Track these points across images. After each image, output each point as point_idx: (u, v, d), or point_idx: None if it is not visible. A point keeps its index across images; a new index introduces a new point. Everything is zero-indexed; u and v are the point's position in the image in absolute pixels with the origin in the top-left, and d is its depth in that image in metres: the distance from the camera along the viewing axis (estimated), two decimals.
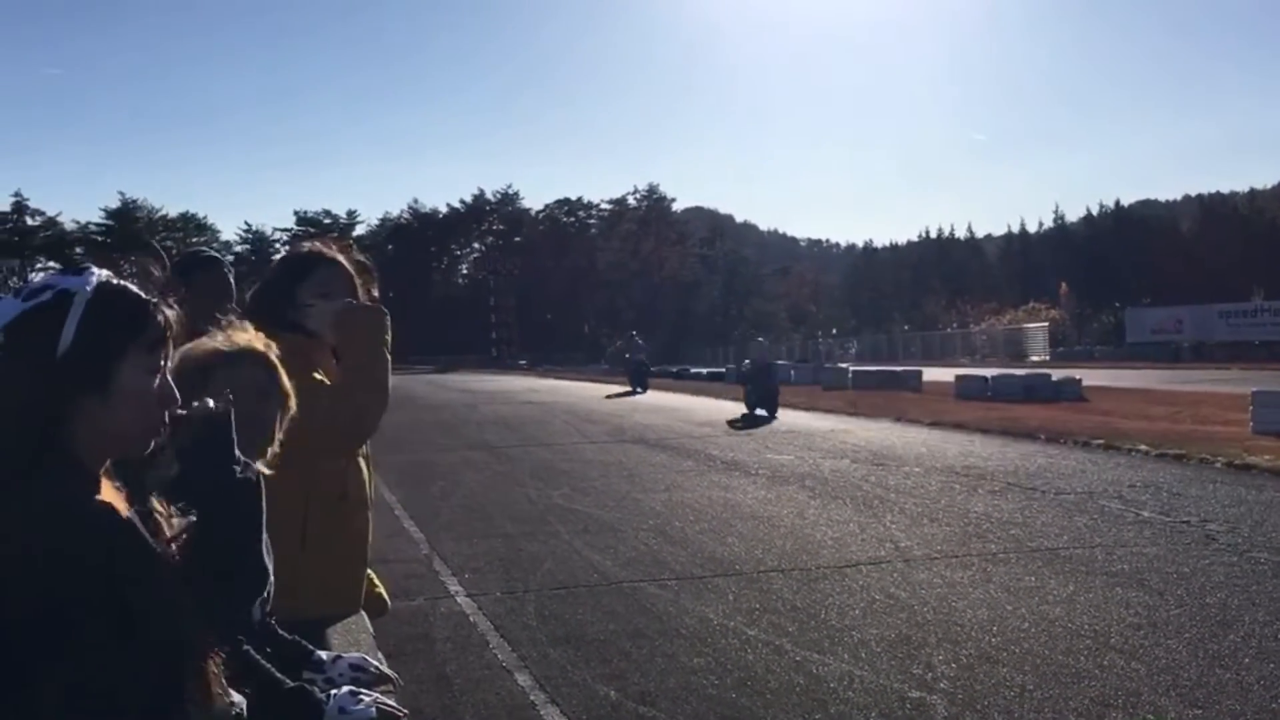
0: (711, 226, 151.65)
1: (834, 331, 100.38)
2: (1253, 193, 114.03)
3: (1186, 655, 5.94)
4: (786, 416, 23.55)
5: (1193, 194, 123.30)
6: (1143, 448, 15.24)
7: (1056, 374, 30.65)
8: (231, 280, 4.57)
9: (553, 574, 8.49)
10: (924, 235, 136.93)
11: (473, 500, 12.62)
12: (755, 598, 7.48)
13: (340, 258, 3.42)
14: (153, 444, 1.68)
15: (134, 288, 1.65)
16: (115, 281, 1.63)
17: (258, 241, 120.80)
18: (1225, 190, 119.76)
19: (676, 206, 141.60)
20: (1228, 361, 47.09)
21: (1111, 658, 5.92)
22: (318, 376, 3.25)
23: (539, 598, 7.72)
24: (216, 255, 4.88)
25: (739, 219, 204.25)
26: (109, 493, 1.60)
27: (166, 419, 1.68)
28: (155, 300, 1.65)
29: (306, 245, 3.51)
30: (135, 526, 1.55)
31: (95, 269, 1.64)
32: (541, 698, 5.60)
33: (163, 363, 1.66)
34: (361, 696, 2.20)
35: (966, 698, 5.35)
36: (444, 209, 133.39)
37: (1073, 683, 5.53)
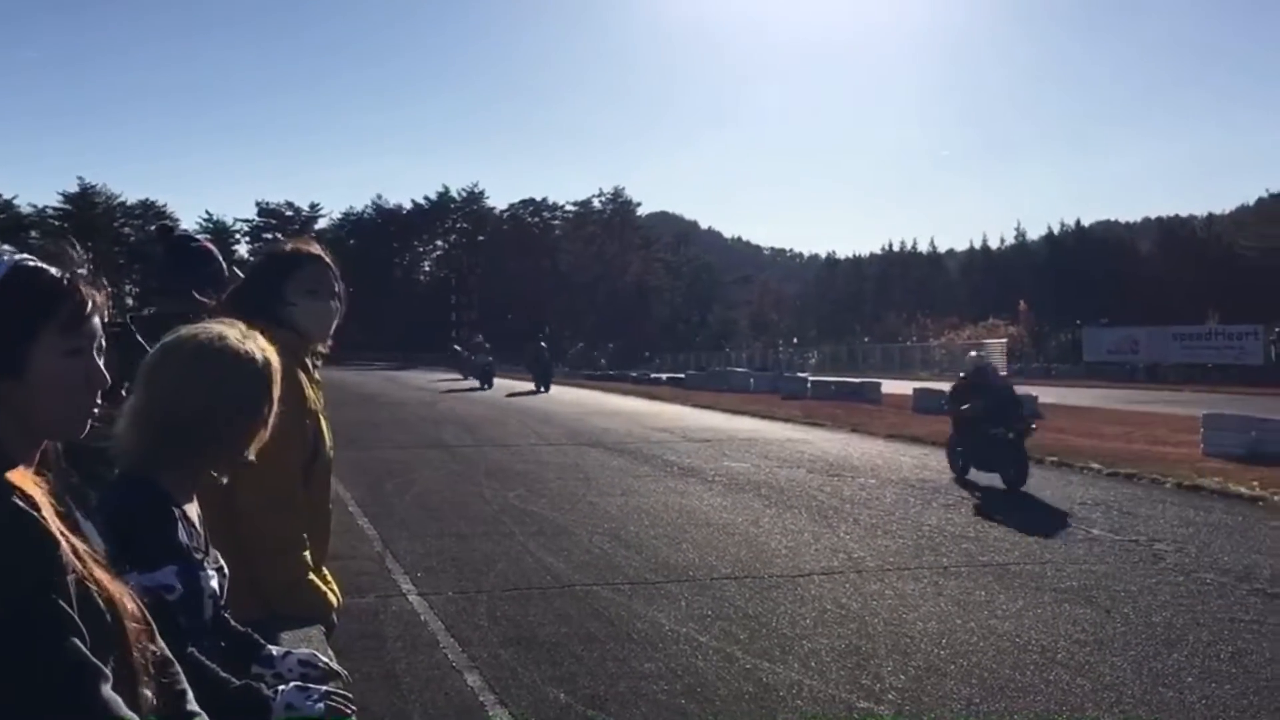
0: (676, 232, 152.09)
1: (794, 341, 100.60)
2: (1210, 217, 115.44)
3: (1131, 673, 6.01)
4: (745, 423, 23.74)
5: (1152, 216, 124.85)
6: (1095, 466, 15.40)
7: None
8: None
9: (506, 575, 8.47)
10: (886, 248, 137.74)
11: (427, 499, 12.58)
12: (708, 604, 7.50)
13: (324, 255, 3.41)
14: (86, 428, 1.65)
15: (50, 269, 1.60)
16: (30, 264, 1.59)
17: (218, 231, 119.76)
18: (1184, 214, 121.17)
19: (641, 211, 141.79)
20: (1181, 383, 47.56)
21: (1058, 673, 5.97)
22: (307, 394, 3.24)
23: (491, 598, 7.70)
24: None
25: (704, 225, 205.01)
26: (25, 481, 1.52)
27: (95, 400, 1.63)
28: (70, 280, 1.60)
29: (290, 243, 3.49)
30: (31, 521, 1.47)
31: (8, 252, 1.59)
32: (491, 699, 5.59)
33: (85, 344, 1.61)
34: (310, 692, 2.19)
35: (914, 709, 5.38)
36: (408, 205, 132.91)
37: (1019, 697, 5.58)
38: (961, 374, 16.18)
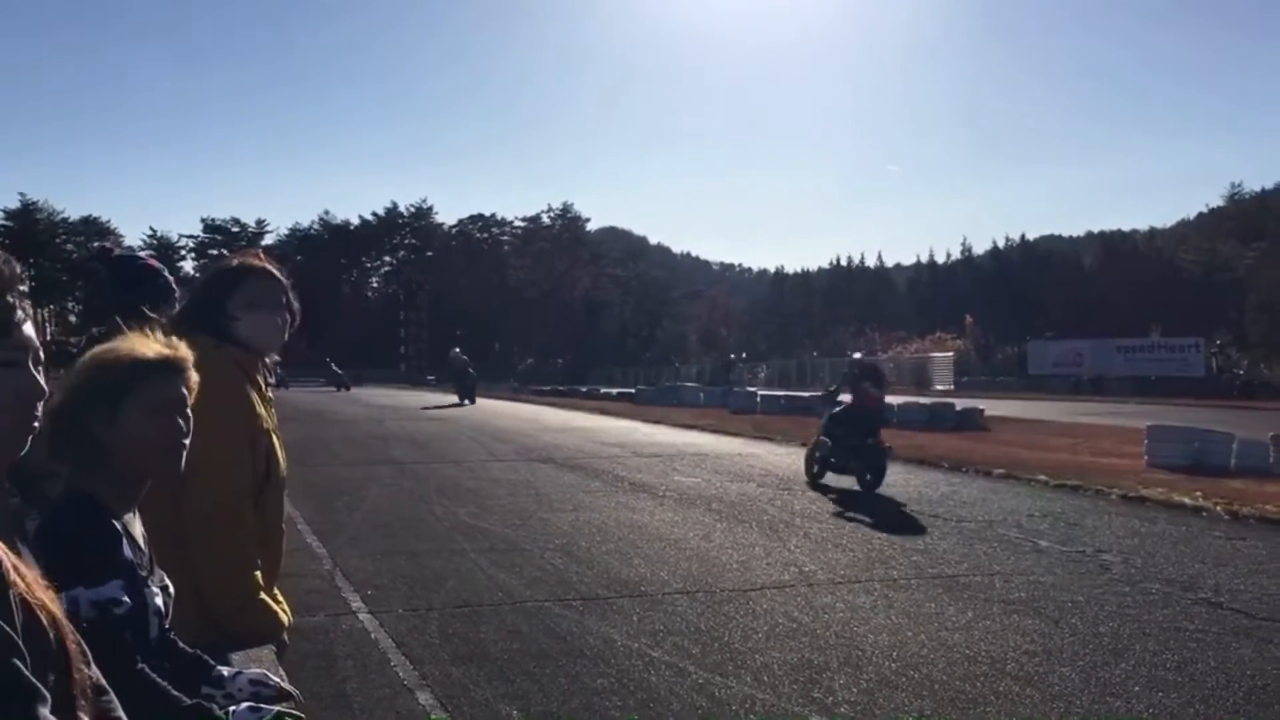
0: (625, 248, 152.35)
1: (744, 355, 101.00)
2: (1152, 231, 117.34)
3: (1079, 683, 6.06)
4: (695, 438, 23.83)
5: (1095, 231, 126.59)
6: (1042, 478, 15.55)
7: (960, 403, 31.19)
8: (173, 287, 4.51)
9: (457, 592, 8.42)
10: (834, 263, 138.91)
11: (378, 516, 12.48)
12: (660, 619, 7.49)
13: (271, 268, 3.39)
14: (26, 444, 1.60)
15: None
16: None
17: (163, 248, 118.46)
18: (1126, 228, 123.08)
19: (591, 226, 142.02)
20: (1125, 395, 48.26)
21: (1007, 684, 6.02)
22: (258, 412, 3.22)
23: (442, 616, 7.65)
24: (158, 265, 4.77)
25: (653, 241, 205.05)
26: None
27: (35, 415, 1.58)
28: None
29: (235, 257, 3.47)
30: None
31: None
32: (443, 717, 5.55)
33: (18, 355, 1.56)
34: (261, 712, 2.17)
35: None
36: (355, 221, 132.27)
37: (969, 708, 5.62)
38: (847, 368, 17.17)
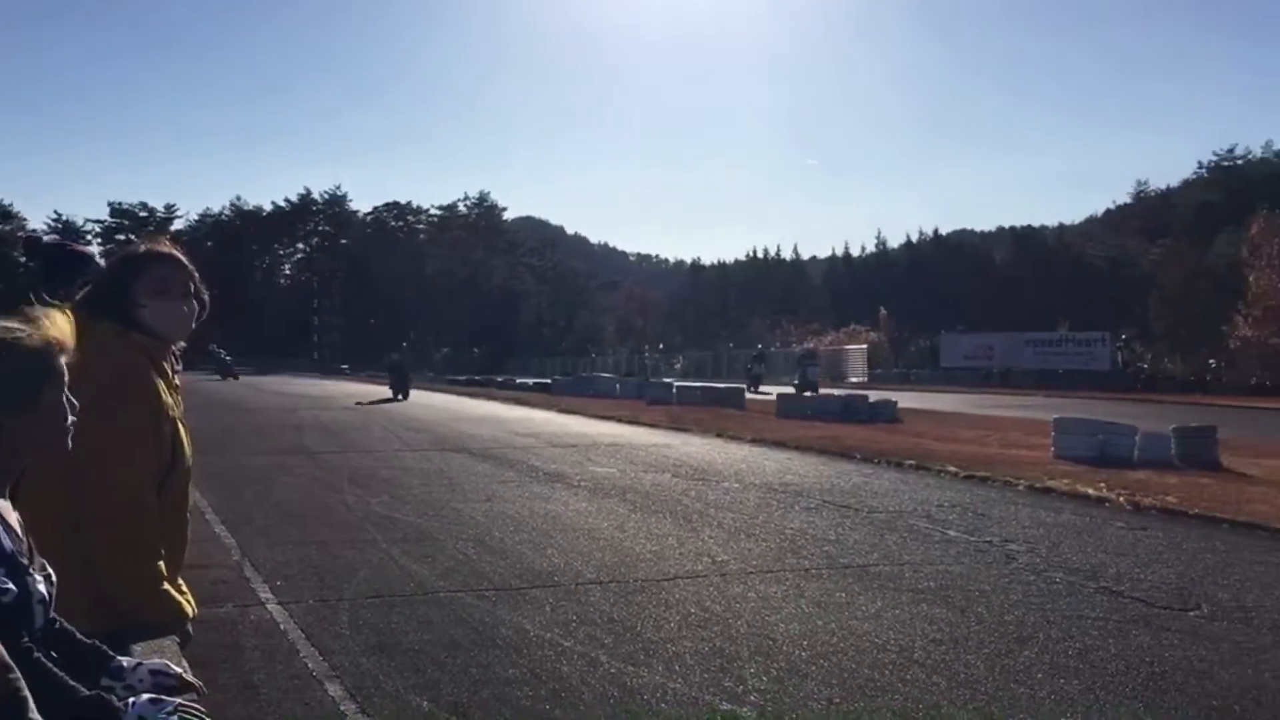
0: (542, 237, 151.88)
1: (660, 347, 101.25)
2: (1061, 228, 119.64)
3: (984, 670, 6.17)
4: (611, 429, 23.86)
5: (1007, 226, 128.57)
6: (951, 469, 15.80)
7: (874, 395, 31.53)
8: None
9: (368, 582, 8.35)
10: (751, 255, 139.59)
11: (288, 506, 12.34)
12: (573, 609, 7.49)
13: (179, 255, 3.32)
14: None
15: None
16: None
17: (68, 232, 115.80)
18: (1037, 224, 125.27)
19: (508, 216, 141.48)
20: (1033, 388, 49.12)
21: (914, 672, 6.11)
22: (164, 399, 3.15)
23: (353, 606, 7.59)
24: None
25: (570, 231, 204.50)
26: None
27: None
28: None
29: (142, 243, 3.40)
30: None
31: None
32: (352, 708, 5.50)
33: None
34: (163, 704, 2.13)
35: (775, 710, 5.46)
36: (268, 207, 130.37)
37: (877, 696, 5.70)
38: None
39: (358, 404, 34.38)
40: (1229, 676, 6.11)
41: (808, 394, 34.88)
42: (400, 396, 38.46)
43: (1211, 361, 56.95)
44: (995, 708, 5.54)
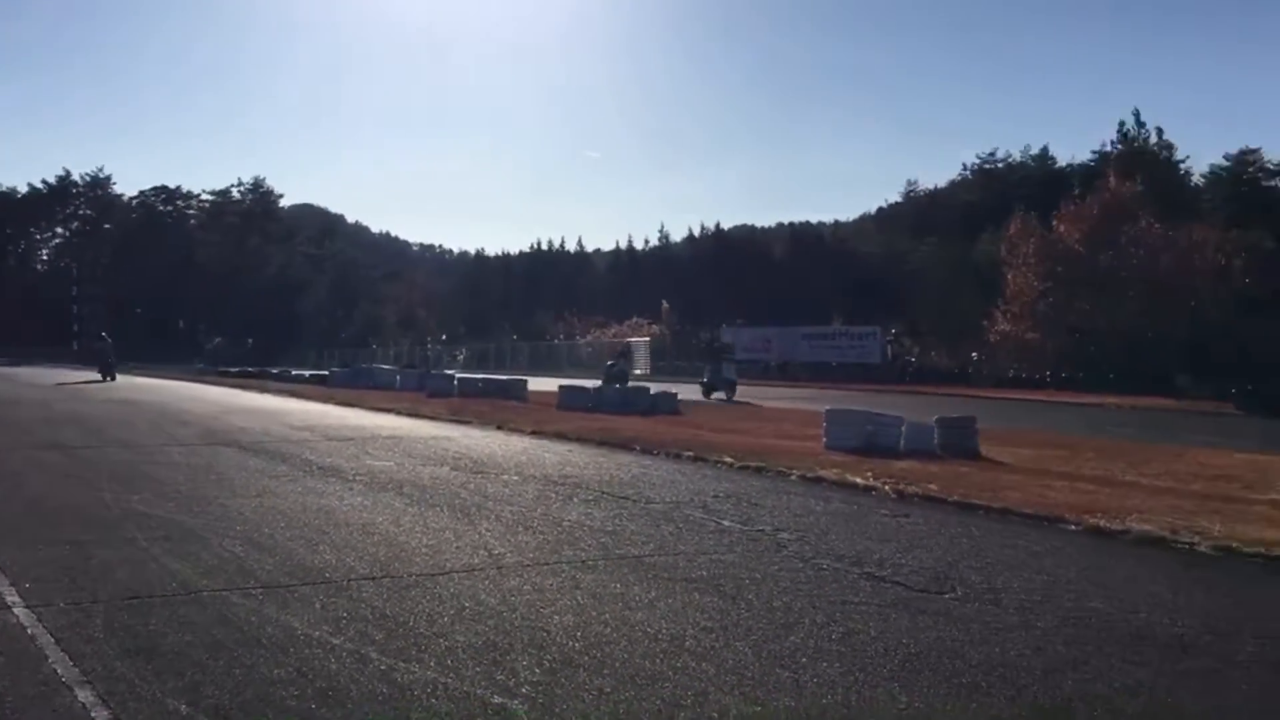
0: (321, 225, 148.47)
1: (443, 338, 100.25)
2: (836, 224, 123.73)
3: (752, 656, 6.31)
4: (389, 421, 23.54)
5: (785, 223, 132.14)
6: (727, 460, 16.12)
7: (655, 387, 31.97)
8: None
9: (126, 583, 7.98)
10: (535, 246, 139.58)
11: (39, 504, 11.71)
12: (343, 606, 7.33)
13: None
14: None
15: None
16: None
17: None
18: (814, 220, 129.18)
19: (284, 203, 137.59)
20: (809, 380, 50.70)
21: (685, 660, 6.20)
22: None
23: (109, 608, 7.23)
24: None
25: (350, 219, 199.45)
26: None
27: None
28: None
29: None
30: None
31: None
32: (104, 714, 5.24)
33: None
34: None
35: (546, 702, 5.45)
36: (23, 188, 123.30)
37: (648, 684, 5.75)
38: None
39: (59, 384, 33.92)
40: (978, 655, 6.41)
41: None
42: (109, 378, 43.89)
43: (974, 355, 59.79)
44: (760, 693, 5.66)
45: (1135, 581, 8.90)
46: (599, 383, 32.92)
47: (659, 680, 5.83)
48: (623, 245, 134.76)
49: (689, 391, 33.90)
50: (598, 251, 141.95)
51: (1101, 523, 11.26)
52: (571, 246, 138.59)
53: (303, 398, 33.58)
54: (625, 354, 47.00)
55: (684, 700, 5.52)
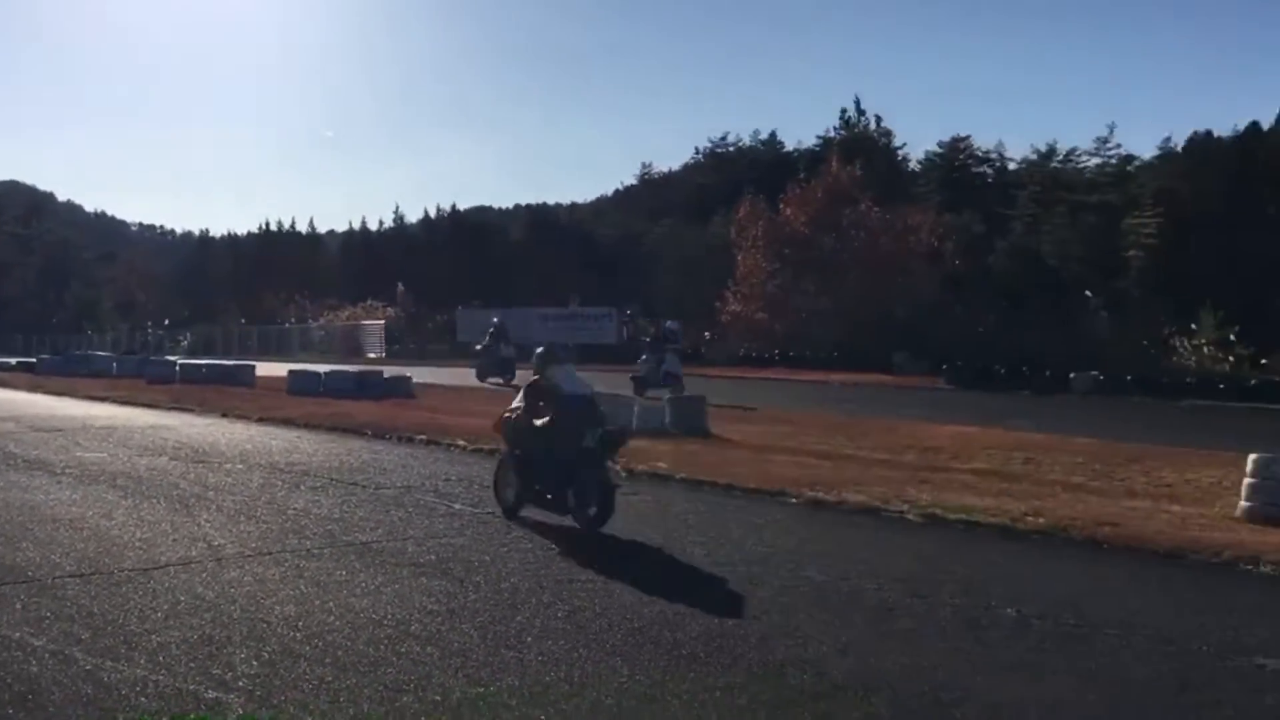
0: (28, 203, 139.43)
1: (165, 323, 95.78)
2: (573, 205, 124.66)
3: (478, 638, 6.33)
4: (104, 410, 22.44)
5: (524, 204, 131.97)
6: (461, 443, 16.08)
7: (389, 371, 31.48)
8: None
9: None
10: (264, 227, 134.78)
11: None
12: (47, 606, 6.94)
13: None
14: None
15: None
16: None
17: None
18: (551, 202, 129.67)
19: None
20: None
21: (409, 644, 6.16)
22: None
23: None
24: None
25: (61, 197, 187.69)
26: None
27: None
28: None
29: None
30: None
31: None
32: None
33: None
34: None
35: (264, 694, 5.32)
36: None
37: (370, 671, 5.70)
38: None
39: None
40: (698, 627, 6.63)
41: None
42: None
43: (707, 334, 61.26)
44: (484, 673, 5.70)
45: (848, 550, 9.39)
46: (332, 368, 32.08)
47: (381, 666, 5.79)
48: (356, 226, 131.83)
49: (426, 375, 33.47)
50: (331, 233, 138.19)
51: (820, 495, 11.82)
52: (303, 227, 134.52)
53: (7, 387, 31.61)
54: (501, 333, 35.14)
55: (407, 685, 5.49)
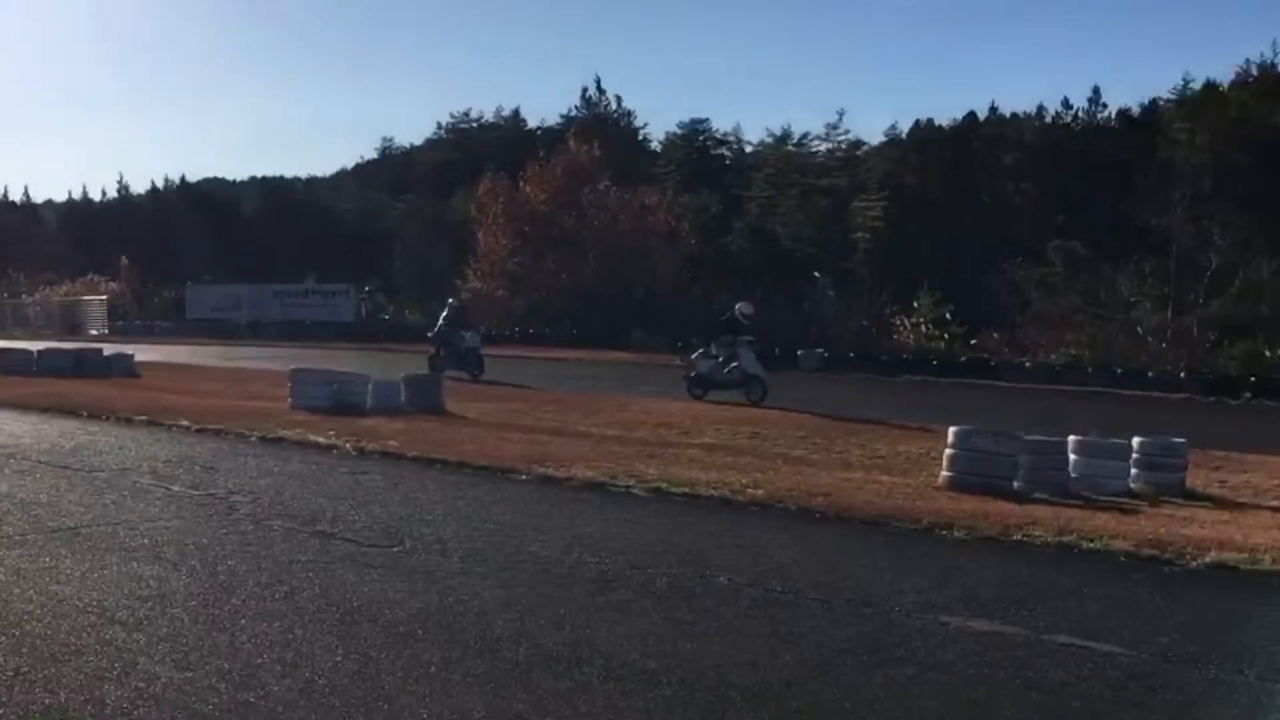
0: None
1: None
2: (311, 179, 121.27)
3: (189, 622, 6.19)
4: None
5: (258, 176, 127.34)
6: (185, 423, 15.53)
7: (110, 349, 30.01)
8: None
9: None
10: None
11: None
12: None
13: None
14: None
15: None
16: None
17: None
18: (288, 175, 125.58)
19: None
20: (281, 340, 49.52)
21: (114, 631, 5.97)
22: None
23: None
24: None
25: None
26: None
27: None
28: None
29: None
30: None
31: None
32: None
33: None
34: None
35: None
36: None
37: (71, 659, 5.50)
38: None
39: None
40: (417, 604, 6.67)
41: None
42: None
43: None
44: (194, 658, 5.58)
45: (573, 525, 9.57)
46: (47, 345, 30.36)
47: (84, 654, 5.60)
48: (77, 196, 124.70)
49: (153, 353, 32.09)
50: (49, 203, 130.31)
51: (550, 471, 11.99)
52: (17, 196, 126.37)
53: None
54: (458, 318, 29.91)
55: (110, 673, 5.33)
